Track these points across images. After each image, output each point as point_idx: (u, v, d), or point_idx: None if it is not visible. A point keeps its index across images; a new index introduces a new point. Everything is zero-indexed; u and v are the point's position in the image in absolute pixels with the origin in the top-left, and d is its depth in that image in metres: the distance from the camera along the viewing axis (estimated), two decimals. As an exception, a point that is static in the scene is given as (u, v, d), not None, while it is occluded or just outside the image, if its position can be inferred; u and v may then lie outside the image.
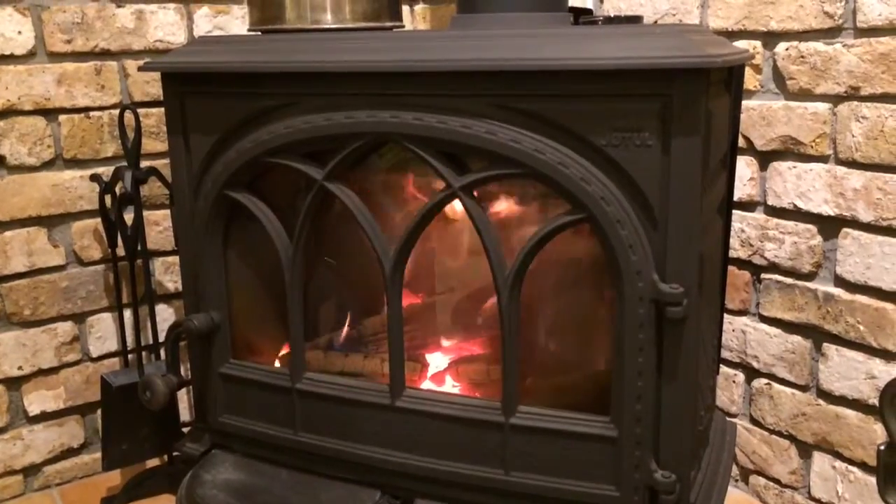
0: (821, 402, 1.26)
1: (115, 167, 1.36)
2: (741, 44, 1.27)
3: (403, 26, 1.26)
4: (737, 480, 1.41)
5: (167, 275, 1.53)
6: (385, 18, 1.19)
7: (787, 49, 1.23)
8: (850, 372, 1.20)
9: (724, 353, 1.38)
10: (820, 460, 1.27)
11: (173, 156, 1.18)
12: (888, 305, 1.15)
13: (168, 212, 1.48)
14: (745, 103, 1.27)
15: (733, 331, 1.37)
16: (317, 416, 1.14)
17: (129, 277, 1.38)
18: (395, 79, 0.99)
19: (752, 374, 1.36)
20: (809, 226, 1.24)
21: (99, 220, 1.39)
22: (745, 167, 1.30)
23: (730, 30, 1.29)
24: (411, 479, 1.09)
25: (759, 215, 1.30)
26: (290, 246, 1.11)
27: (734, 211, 1.26)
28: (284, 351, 1.26)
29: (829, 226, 1.21)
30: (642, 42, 0.89)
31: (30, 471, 1.45)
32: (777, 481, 1.34)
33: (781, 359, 1.30)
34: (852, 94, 1.16)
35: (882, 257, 1.15)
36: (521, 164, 0.94)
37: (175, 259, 1.51)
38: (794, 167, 1.24)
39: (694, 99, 0.87)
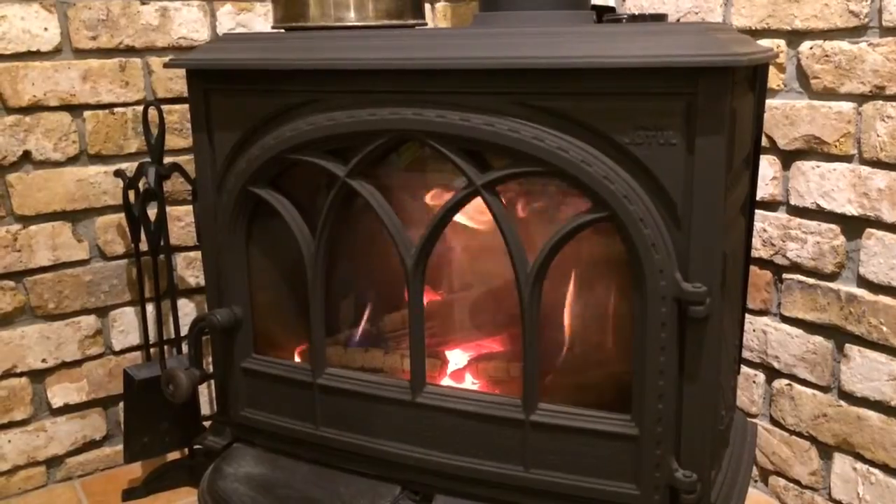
0: (842, 403, 1.25)
1: (139, 163, 1.37)
2: (765, 42, 1.26)
3: (426, 24, 1.26)
4: (756, 481, 1.40)
5: (189, 270, 1.54)
6: (408, 16, 1.19)
7: (811, 48, 1.22)
8: (873, 373, 1.20)
9: (745, 354, 1.37)
10: (841, 462, 1.26)
11: (197, 152, 1.19)
12: (912, 306, 1.14)
13: (190, 207, 1.49)
14: (768, 102, 1.26)
15: (754, 331, 1.36)
16: (338, 411, 1.15)
17: (152, 272, 1.40)
18: (418, 76, 1.00)
19: (772, 374, 1.35)
20: (832, 226, 1.23)
21: (122, 215, 1.40)
22: (767, 166, 1.30)
23: (753, 28, 1.29)
24: (431, 474, 1.10)
25: (781, 215, 1.30)
26: (313, 242, 1.12)
27: (756, 210, 1.26)
28: (306, 346, 1.27)
29: (853, 226, 1.20)
30: (667, 40, 0.89)
31: (52, 462, 1.47)
32: (797, 482, 1.33)
33: (802, 359, 1.30)
34: (877, 94, 1.15)
35: (906, 258, 1.14)
36: (544, 161, 0.94)
37: (197, 254, 1.53)
38: (818, 167, 1.24)
39: (718, 98, 0.87)
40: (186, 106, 1.39)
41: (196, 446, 1.43)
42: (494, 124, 0.96)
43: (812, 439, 1.30)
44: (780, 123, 1.27)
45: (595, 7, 1.13)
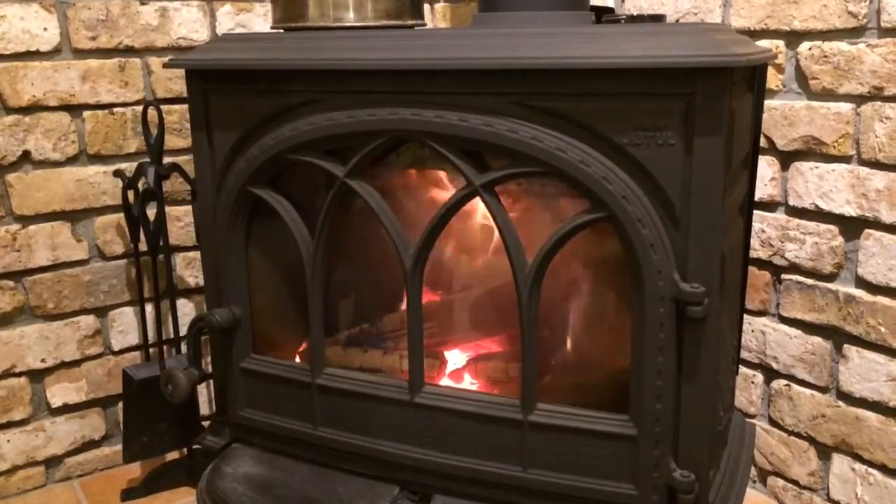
0: (841, 403, 1.25)
1: (138, 163, 1.37)
2: (764, 43, 1.27)
3: (425, 24, 1.26)
4: (755, 481, 1.40)
5: (188, 270, 1.54)
6: (407, 17, 1.19)
7: (810, 49, 1.22)
8: (871, 374, 1.20)
9: (744, 354, 1.37)
10: (839, 462, 1.26)
11: (197, 152, 1.20)
12: (910, 307, 1.14)
13: (190, 207, 1.49)
14: (767, 103, 1.26)
15: (753, 331, 1.36)
16: (336, 412, 1.15)
17: (151, 272, 1.40)
18: (417, 77, 1.00)
19: (771, 374, 1.35)
20: (831, 226, 1.23)
21: (122, 215, 1.40)
22: (766, 167, 1.30)
23: (752, 29, 1.29)
24: (430, 474, 1.10)
25: (780, 215, 1.30)
26: (312, 242, 1.12)
27: (755, 211, 1.26)
28: (305, 346, 1.27)
29: (851, 226, 1.21)
30: (665, 41, 0.89)
31: (51, 462, 1.47)
32: (796, 483, 1.33)
33: (801, 360, 1.30)
34: (876, 95, 1.15)
35: (905, 259, 1.14)
36: (543, 162, 0.95)
37: (196, 254, 1.53)
38: (816, 167, 1.24)
39: (717, 98, 0.87)
40: (186, 106, 1.39)
41: (195, 446, 1.43)
42: (493, 125, 0.96)
43: (810, 440, 1.30)
44: (778, 124, 1.27)
45: (594, 8, 1.13)
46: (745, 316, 1.34)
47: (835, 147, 1.21)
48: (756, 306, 1.35)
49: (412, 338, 1.08)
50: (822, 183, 1.23)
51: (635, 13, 1.44)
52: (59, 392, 1.45)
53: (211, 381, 1.48)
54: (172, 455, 1.51)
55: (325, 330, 1.16)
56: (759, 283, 1.34)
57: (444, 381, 1.19)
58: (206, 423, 1.47)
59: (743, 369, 1.38)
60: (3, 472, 1.42)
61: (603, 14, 1.13)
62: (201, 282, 1.49)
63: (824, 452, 1.29)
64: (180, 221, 1.51)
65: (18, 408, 1.42)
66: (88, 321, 1.46)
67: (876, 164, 1.16)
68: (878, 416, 1.20)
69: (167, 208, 1.43)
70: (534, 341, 1.01)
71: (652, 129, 0.90)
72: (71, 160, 1.40)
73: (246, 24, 1.52)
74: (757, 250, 1.33)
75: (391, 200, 1.09)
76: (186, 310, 1.55)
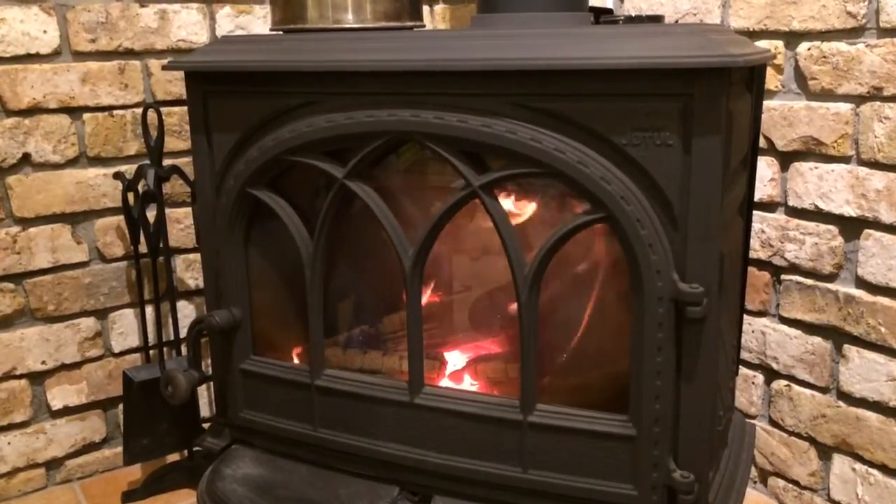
0: (841, 403, 1.25)
1: (138, 165, 1.37)
2: (763, 44, 1.27)
3: (424, 26, 1.26)
4: (755, 482, 1.40)
5: (188, 272, 1.54)
6: (406, 18, 1.19)
7: (809, 49, 1.22)
8: (871, 374, 1.20)
9: (744, 354, 1.37)
10: (840, 462, 1.26)
11: (196, 154, 1.20)
12: (910, 307, 1.14)
13: (190, 209, 1.49)
14: (766, 103, 1.26)
15: (753, 332, 1.36)
16: (336, 413, 1.15)
17: (151, 274, 1.40)
18: (416, 78, 1.00)
19: (771, 375, 1.35)
20: (831, 227, 1.23)
21: (122, 217, 1.41)
22: (765, 167, 1.30)
23: (751, 29, 1.29)
24: (429, 475, 1.10)
25: (779, 216, 1.30)
26: (311, 243, 1.12)
27: (755, 211, 1.26)
28: (304, 347, 1.27)
29: (851, 227, 1.21)
30: (663, 41, 0.89)
31: (52, 464, 1.47)
32: (796, 483, 1.33)
33: (801, 360, 1.30)
34: (875, 95, 1.15)
35: (904, 259, 1.14)
36: (541, 163, 0.95)
37: (196, 256, 1.53)
38: (816, 168, 1.24)
39: (715, 99, 0.87)
40: (185, 108, 1.39)
41: (195, 448, 1.43)
42: (492, 126, 0.96)
43: (811, 440, 1.30)
44: (778, 124, 1.27)
45: (593, 8, 1.13)
46: (745, 316, 1.34)
47: (834, 147, 1.21)
48: (756, 306, 1.35)
49: (412, 339, 1.08)
50: (821, 183, 1.23)
51: (634, 14, 1.44)
52: (60, 394, 1.45)
53: (211, 383, 1.48)
54: (173, 457, 1.51)
55: (324, 331, 1.16)
56: (759, 284, 1.34)
57: (444, 383, 1.19)
58: (206, 425, 1.47)
59: (743, 370, 1.38)
60: (4, 475, 1.42)
61: (601, 15, 1.13)
62: (201, 284, 1.49)
63: (825, 453, 1.29)
64: (180, 223, 1.52)
65: (19, 410, 1.42)
66: (89, 323, 1.46)
67: (875, 165, 1.16)
68: (878, 416, 1.20)
69: (167, 210, 1.43)
70: (533, 342, 1.01)
71: (650, 130, 0.90)
72: (71, 162, 1.40)
73: (245, 27, 1.52)
74: (757, 251, 1.33)
75: (390, 201, 1.10)
76: (186, 312, 1.55)
